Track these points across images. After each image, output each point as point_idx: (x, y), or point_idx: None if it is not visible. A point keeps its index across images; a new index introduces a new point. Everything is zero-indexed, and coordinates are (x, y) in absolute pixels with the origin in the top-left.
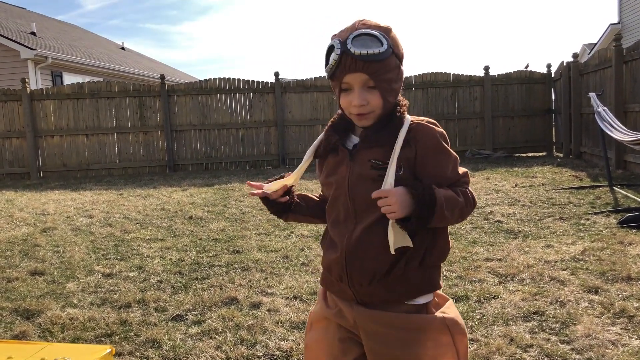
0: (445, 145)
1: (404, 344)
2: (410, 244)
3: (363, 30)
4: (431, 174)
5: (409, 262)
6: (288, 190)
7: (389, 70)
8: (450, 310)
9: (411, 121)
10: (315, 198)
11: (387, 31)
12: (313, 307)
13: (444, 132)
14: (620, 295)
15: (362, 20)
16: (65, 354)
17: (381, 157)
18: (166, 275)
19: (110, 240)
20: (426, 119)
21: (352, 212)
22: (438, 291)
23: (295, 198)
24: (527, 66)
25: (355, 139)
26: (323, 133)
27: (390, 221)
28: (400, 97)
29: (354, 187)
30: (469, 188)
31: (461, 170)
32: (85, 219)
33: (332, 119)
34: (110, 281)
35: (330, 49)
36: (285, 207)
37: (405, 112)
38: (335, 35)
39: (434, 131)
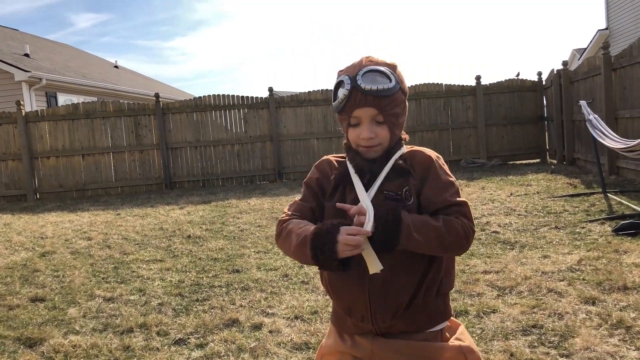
0: (439, 168)
1: None
2: (379, 270)
3: (372, 67)
4: (425, 197)
5: (428, 292)
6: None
7: (397, 105)
8: (464, 336)
9: (405, 150)
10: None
11: (393, 68)
12: (324, 340)
13: (440, 156)
14: (617, 306)
15: (368, 57)
16: None
17: (394, 188)
18: (167, 297)
19: (109, 263)
20: (422, 147)
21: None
22: None
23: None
24: (518, 74)
25: (366, 172)
26: (329, 162)
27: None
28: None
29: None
30: (463, 219)
31: (458, 198)
32: (83, 241)
33: (345, 151)
34: (111, 305)
35: (339, 85)
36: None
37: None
38: (342, 71)
39: (428, 154)
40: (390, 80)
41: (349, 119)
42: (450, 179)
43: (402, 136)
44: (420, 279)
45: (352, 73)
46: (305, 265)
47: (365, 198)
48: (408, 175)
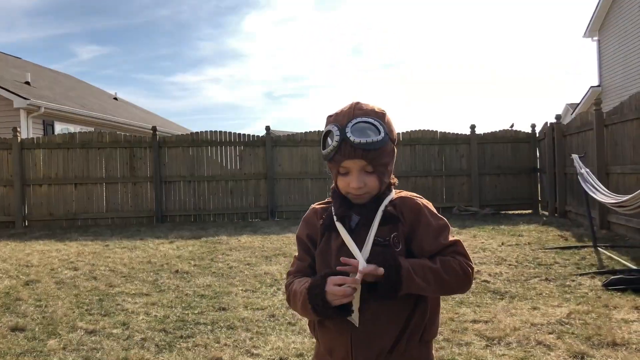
0: (430, 215)
1: None
2: (357, 324)
3: (361, 119)
4: (419, 245)
5: (411, 338)
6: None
7: (385, 155)
8: None
9: (395, 196)
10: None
11: (382, 117)
12: None
13: (428, 203)
14: None
15: (357, 104)
16: None
17: (383, 234)
18: (150, 332)
19: (94, 295)
20: (410, 193)
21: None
22: None
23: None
24: (512, 125)
25: (354, 218)
26: (315, 212)
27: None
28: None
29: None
30: (460, 258)
31: (451, 238)
32: (69, 271)
33: (331, 196)
34: (93, 338)
35: (328, 134)
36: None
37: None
38: (331, 117)
39: (417, 201)
40: (380, 133)
41: (338, 168)
42: (441, 222)
43: (392, 180)
44: (404, 325)
45: (342, 123)
46: None
47: (350, 242)
48: (397, 221)
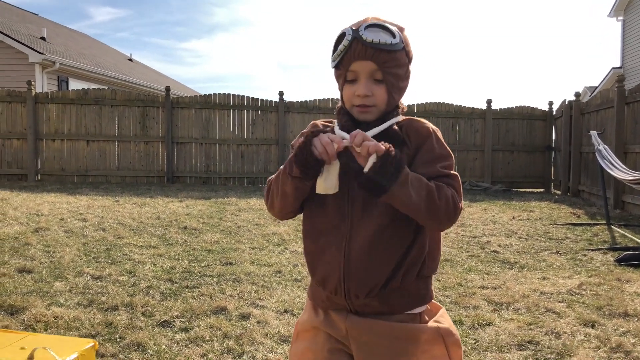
0: (436, 141)
1: (396, 354)
2: (331, 190)
3: (377, 22)
4: (417, 165)
5: (407, 274)
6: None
7: (398, 65)
8: (444, 319)
9: (402, 118)
10: None
11: (400, 29)
12: (300, 317)
13: (438, 130)
14: (617, 331)
15: (375, 16)
16: (46, 345)
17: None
18: (156, 281)
19: (102, 245)
20: (422, 119)
21: (348, 218)
22: None
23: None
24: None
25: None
26: (315, 127)
27: (326, 165)
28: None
29: (354, 189)
30: (454, 192)
31: (451, 171)
32: (78, 222)
33: (336, 113)
34: (99, 283)
35: (341, 37)
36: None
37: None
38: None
39: (427, 125)
40: (395, 37)
41: (346, 74)
42: (445, 152)
43: (401, 105)
44: (401, 258)
45: (356, 26)
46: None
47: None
48: (402, 144)
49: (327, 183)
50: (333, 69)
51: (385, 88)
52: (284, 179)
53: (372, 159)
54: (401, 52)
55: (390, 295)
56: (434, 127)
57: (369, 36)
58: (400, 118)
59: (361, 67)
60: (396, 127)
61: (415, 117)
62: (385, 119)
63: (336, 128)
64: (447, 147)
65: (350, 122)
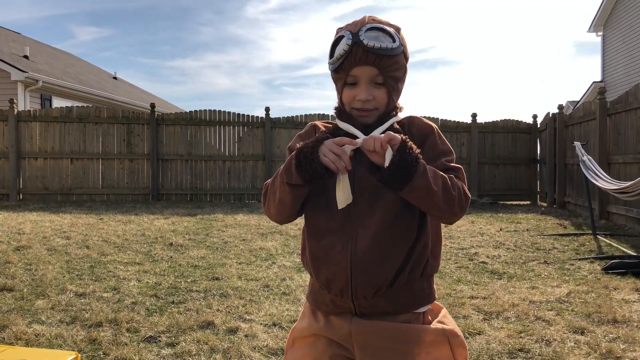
0: (438, 137)
1: (402, 356)
2: (348, 201)
3: (376, 25)
4: (424, 160)
5: (413, 271)
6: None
7: (398, 68)
8: (447, 320)
9: (402, 117)
10: None
11: (397, 30)
12: (296, 323)
13: (438, 128)
14: (606, 337)
15: (371, 17)
16: (25, 358)
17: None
18: (141, 297)
19: (86, 262)
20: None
21: (353, 217)
22: None
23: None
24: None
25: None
26: (320, 128)
27: (340, 176)
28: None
29: (359, 187)
30: (462, 183)
31: (456, 165)
32: (62, 240)
33: (335, 114)
34: (82, 300)
35: (338, 40)
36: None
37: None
38: (341, 28)
39: (428, 122)
40: (395, 41)
41: (346, 78)
42: (447, 147)
43: (398, 106)
44: (407, 255)
45: (354, 29)
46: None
47: (357, 132)
48: None
49: (346, 193)
50: (331, 72)
51: (386, 91)
52: (282, 187)
53: (390, 153)
54: (400, 55)
55: (397, 294)
56: (434, 125)
57: (370, 41)
58: (400, 117)
59: (362, 72)
60: (397, 126)
61: (414, 115)
62: (384, 120)
63: (344, 125)
64: (448, 143)
65: (350, 123)
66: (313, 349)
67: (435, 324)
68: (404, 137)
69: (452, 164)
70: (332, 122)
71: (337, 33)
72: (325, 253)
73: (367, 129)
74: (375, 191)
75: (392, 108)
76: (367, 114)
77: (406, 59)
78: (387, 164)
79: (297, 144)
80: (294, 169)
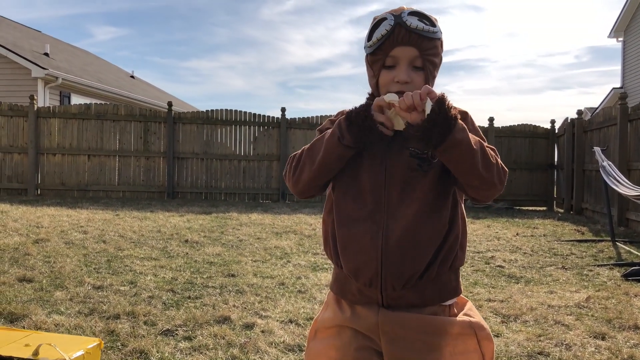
0: (472, 122)
1: (429, 348)
2: (404, 125)
3: (417, 10)
4: None
5: (443, 263)
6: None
7: (436, 54)
8: (474, 313)
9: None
10: None
11: (435, 20)
12: (319, 314)
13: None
14: (628, 343)
15: (409, 6)
16: (51, 342)
17: (420, 147)
18: (158, 291)
19: (103, 256)
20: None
21: (384, 206)
22: None
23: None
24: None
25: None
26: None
27: (394, 109)
28: None
29: (391, 176)
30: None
31: (490, 146)
32: (79, 234)
33: (368, 99)
34: (100, 293)
35: (378, 24)
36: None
37: None
38: (379, 15)
39: (463, 110)
40: (435, 26)
41: (385, 59)
42: (480, 133)
43: None
44: (439, 247)
45: (396, 13)
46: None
47: (394, 96)
48: None
49: (400, 121)
50: (368, 55)
51: (424, 75)
52: (332, 146)
53: (429, 104)
54: (439, 41)
55: (425, 287)
56: (467, 111)
57: (413, 22)
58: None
59: (402, 53)
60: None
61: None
62: None
63: (380, 98)
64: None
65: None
66: (338, 340)
67: (461, 317)
68: (442, 93)
69: (487, 144)
70: None
71: (373, 20)
72: (355, 241)
73: None
74: (407, 183)
75: None
76: None
77: (442, 49)
78: (428, 111)
79: (329, 125)
80: (345, 128)
